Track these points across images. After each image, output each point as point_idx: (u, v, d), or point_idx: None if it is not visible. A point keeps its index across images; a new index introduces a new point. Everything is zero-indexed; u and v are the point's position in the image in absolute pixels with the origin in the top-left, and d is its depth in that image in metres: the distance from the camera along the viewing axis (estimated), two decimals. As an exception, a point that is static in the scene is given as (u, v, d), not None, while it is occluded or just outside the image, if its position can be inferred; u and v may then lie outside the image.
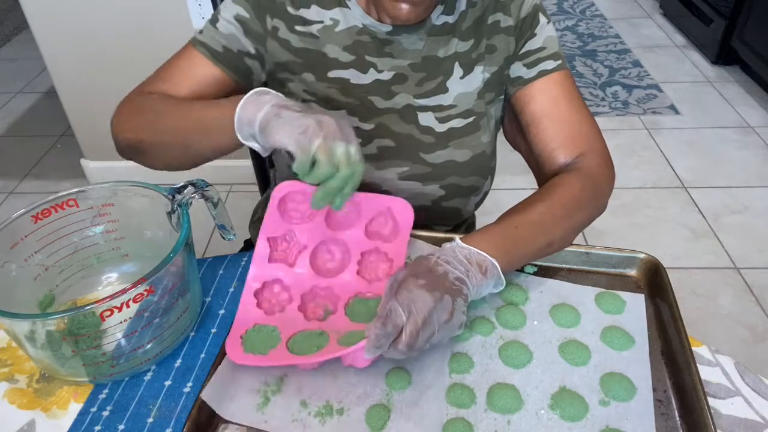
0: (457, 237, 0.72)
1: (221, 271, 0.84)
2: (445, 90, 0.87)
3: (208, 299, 0.80)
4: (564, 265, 0.81)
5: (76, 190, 0.74)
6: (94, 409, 0.68)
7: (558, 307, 0.74)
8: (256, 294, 0.73)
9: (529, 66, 0.87)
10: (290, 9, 0.85)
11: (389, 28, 0.84)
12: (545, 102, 0.86)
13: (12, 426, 0.66)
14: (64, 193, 0.74)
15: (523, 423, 0.62)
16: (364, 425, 0.63)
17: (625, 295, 0.76)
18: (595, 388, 0.66)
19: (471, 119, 0.89)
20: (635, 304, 0.75)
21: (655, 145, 2.42)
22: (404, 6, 0.75)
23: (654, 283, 0.78)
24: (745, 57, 2.74)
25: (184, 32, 1.87)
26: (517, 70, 0.88)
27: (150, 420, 0.66)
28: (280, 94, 0.70)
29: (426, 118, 0.88)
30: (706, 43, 3.00)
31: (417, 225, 0.81)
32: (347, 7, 0.84)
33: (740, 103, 2.66)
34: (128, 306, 0.63)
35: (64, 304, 0.76)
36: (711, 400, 0.64)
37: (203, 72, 0.85)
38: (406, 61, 0.86)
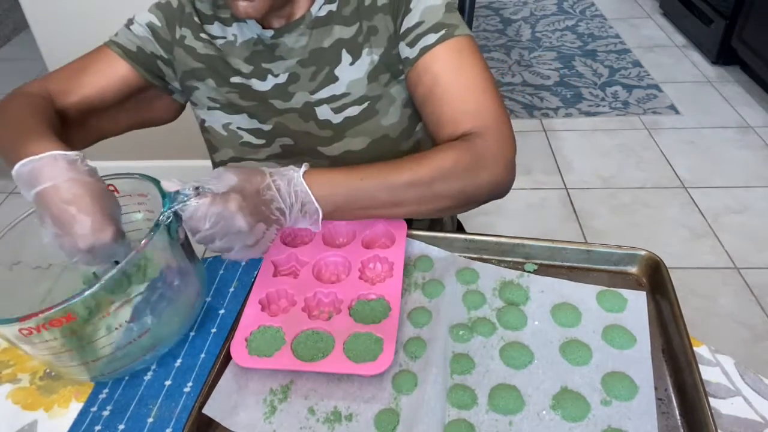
0: (301, 169, 0.70)
1: (221, 271, 0.84)
2: (335, 79, 0.86)
3: (208, 299, 0.80)
4: (564, 263, 0.81)
5: (76, 189, 0.74)
6: (94, 409, 0.67)
7: (559, 307, 0.74)
8: (260, 301, 0.74)
9: (411, 45, 0.81)
10: (196, 19, 0.88)
11: (271, 32, 0.85)
12: (429, 82, 0.80)
13: (13, 426, 0.66)
14: (64, 192, 0.74)
15: (525, 424, 0.62)
16: (374, 430, 0.62)
17: (626, 292, 0.76)
18: (597, 387, 0.65)
19: (366, 105, 0.86)
20: (637, 301, 0.75)
21: (655, 145, 2.42)
22: (240, 3, 0.75)
23: (655, 280, 0.77)
24: (745, 57, 2.74)
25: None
26: (403, 50, 0.83)
27: (150, 420, 0.66)
28: (64, 159, 0.65)
29: (323, 112, 0.88)
30: (706, 43, 3.00)
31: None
32: (244, 21, 0.86)
33: (740, 103, 2.66)
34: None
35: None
36: (711, 400, 0.64)
37: (114, 70, 0.88)
38: (294, 59, 0.86)
